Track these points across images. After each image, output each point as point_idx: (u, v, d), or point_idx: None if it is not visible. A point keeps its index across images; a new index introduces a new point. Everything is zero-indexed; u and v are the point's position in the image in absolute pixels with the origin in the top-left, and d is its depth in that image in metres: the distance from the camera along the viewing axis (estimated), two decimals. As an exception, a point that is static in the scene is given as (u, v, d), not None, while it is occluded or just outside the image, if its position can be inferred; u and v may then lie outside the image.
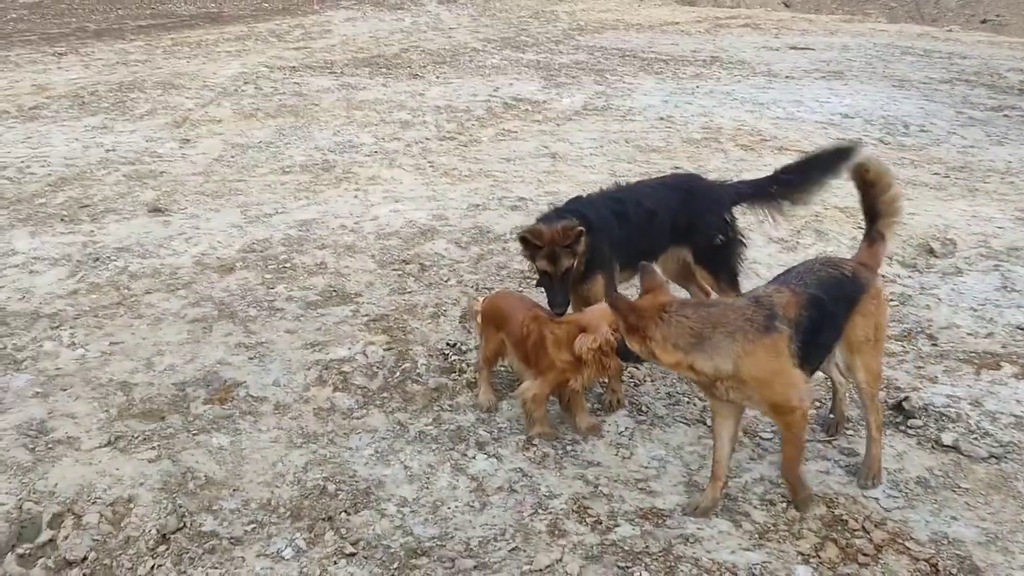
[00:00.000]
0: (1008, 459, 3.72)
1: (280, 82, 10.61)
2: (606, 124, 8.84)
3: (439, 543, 3.28)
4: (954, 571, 3.13)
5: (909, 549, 3.22)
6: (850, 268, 3.45)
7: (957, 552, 3.21)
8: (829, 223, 6.10)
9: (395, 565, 3.18)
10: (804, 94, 10.09)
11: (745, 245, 4.53)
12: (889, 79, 11.04)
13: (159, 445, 3.75)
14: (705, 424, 3.95)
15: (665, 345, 3.13)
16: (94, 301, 4.97)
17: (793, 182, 4.42)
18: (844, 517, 3.38)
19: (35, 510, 3.36)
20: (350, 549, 3.24)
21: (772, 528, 3.34)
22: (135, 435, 3.80)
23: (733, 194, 4.46)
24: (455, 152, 7.96)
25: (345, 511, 3.43)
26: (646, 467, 3.71)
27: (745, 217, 4.60)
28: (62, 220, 6.19)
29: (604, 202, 4.15)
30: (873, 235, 3.57)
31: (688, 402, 4.16)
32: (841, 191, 6.79)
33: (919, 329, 4.82)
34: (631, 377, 4.33)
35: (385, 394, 4.19)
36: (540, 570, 3.14)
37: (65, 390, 4.12)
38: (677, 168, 7.08)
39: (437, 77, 11.09)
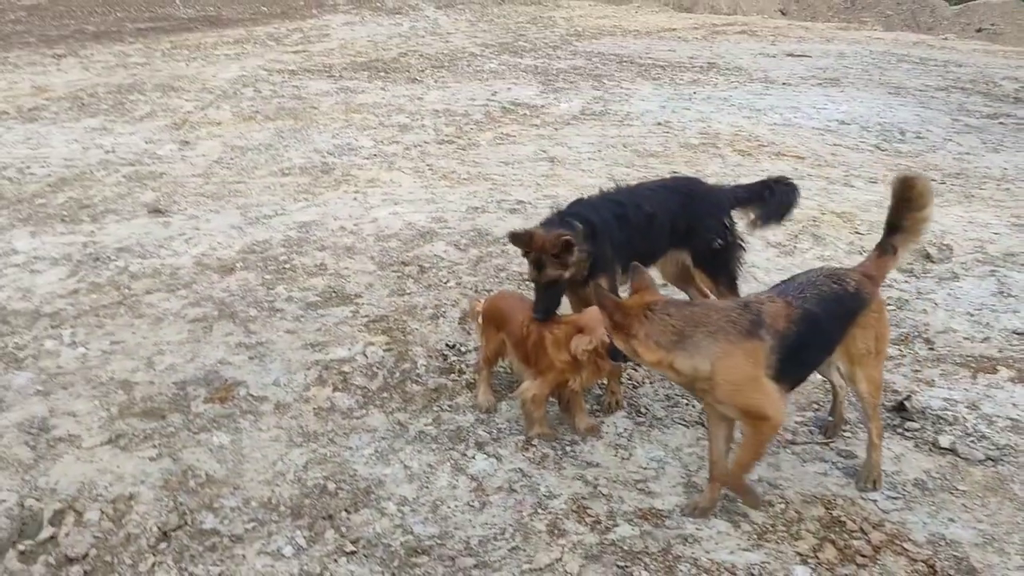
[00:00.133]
0: (1004, 462, 3.74)
1: (279, 85, 10.63)
2: (604, 129, 8.87)
3: (439, 542, 3.30)
4: (951, 572, 3.15)
5: (907, 550, 3.24)
6: (854, 283, 3.39)
7: (954, 553, 3.24)
8: (827, 228, 6.13)
9: (395, 563, 3.19)
10: (801, 100, 10.14)
11: (744, 249, 4.54)
12: (885, 86, 11.10)
13: (160, 443, 3.76)
14: (704, 426, 3.96)
15: (647, 343, 3.13)
16: (95, 300, 4.98)
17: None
18: (842, 518, 3.40)
19: (36, 507, 3.37)
20: (350, 547, 3.26)
21: (771, 529, 3.36)
22: (136, 433, 3.81)
23: (732, 198, 4.49)
24: (454, 155, 7.98)
25: (345, 510, 3.44)
26: (645, 468, 3.73)
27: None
28: (62, 220, 6.21)
29: (606, 205, 4.15)
30: (886, 247, 3.52)
31: (687, 404, 4.18)
32: (838, 196, 6.87)
33: (916, 333, 4.85)
34: (630, 379, 4.36)
35: (385, 394, 4.20)
36: (540, 569, 3.16)
37: (66, 388, 4.13)
38: (675, 173, 7.10)
39: (435, 81, 11.12)
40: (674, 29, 16.11)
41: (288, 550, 3.24)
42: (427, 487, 3.58)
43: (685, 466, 3.73)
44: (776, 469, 3.70)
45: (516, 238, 3.94)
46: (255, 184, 7.10)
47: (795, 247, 5.88)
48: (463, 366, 4.41)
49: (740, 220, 4.52)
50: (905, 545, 3.26)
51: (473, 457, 3.77)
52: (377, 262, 5.55)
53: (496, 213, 6.36)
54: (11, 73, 11.21)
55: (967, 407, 4.11)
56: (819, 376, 3.88)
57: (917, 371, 4.45)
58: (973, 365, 4.49)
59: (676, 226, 4.30)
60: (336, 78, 11.14)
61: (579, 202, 4.23)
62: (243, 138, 8.41)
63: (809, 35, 15.68)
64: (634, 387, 4.33)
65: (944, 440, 3.86)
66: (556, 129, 8.87)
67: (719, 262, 4.41)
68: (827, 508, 3.46)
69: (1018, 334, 4.80)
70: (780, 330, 3.16)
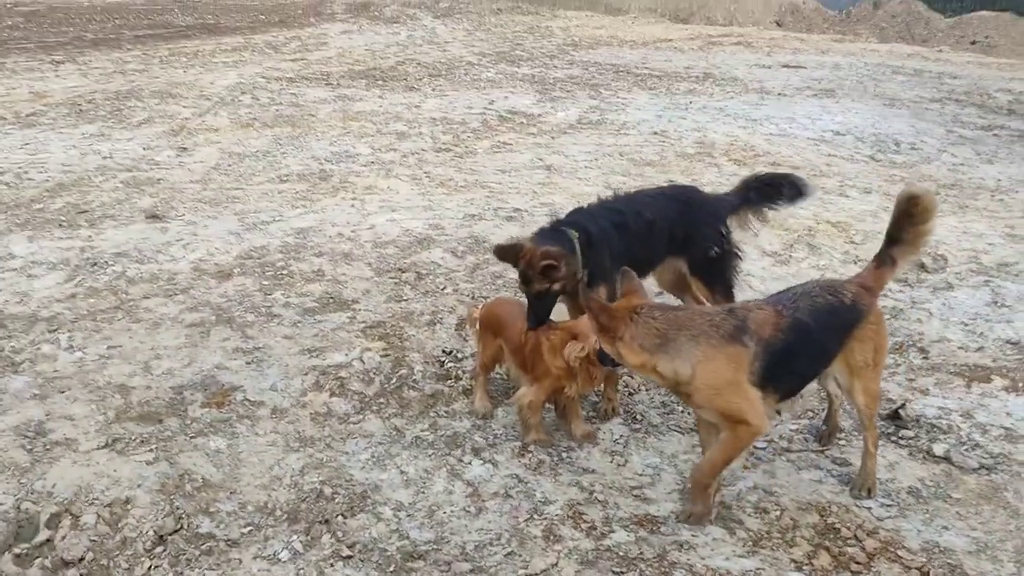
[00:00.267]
0: (998, 470, 3.77)
1: (277, 93, 10.66)
2: (600, 138, 8.91)
3: (435, 547, 3.30)
4: (945, 579, 3.18)
5: (901, 558, 3.25)
6: (850, 295, 3.39)
7: (948, 561, 3.25)
8: (822, 237, 6.17)
9: (391, 568, 3.19)
10: (796, 111, 10.20)
11: (741, 258, 4.57)
12: (880, 98, 11.17)
13: (156, 447, 3.76)
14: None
15: (632, 345, 3.15)
16: (92, 305, 4.98)
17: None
18: (837, 525, 3.42)
19: (33, 510, 3.36)
20: (347, 552, 3.26)
21: (766, 535, 3.38)
22: (133, 437, 3.81)
23: (729, 206, 4.51)
24: (451, 163, 8.01)
25: (342, 514, 3.44)
26: (641, 474, 3.74)
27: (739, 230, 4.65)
28: (60, 225, 6.21)
29: (604, 213, 4.15)
30: (885, 258, 3.51)
31: (682, 411, 4.19)
32: (833, 206, 6.91)
33: (911, 342, 4.88)
34: (626, 386, 4.37)
35: (382, 400, 4.21)
36: (536, 574, 3.16)
37: (63, 392, 4.13)
38: (671, 182, 7.14)
39: (433, 90, 11.17)
40: (670, 40, 16.20)
41: (284, 555, 3.24)
42: (423, 492, 3.59)
43: (681, 473, 3.75)
44: (771, 476, 3.72)
45: (502, 253, 3.95)
46: (253, 190, 7.11)
47: (790, 256, 5.92)
48: (460, 372, 4.42)
49: (740, 227, 4.54)
50: (899, 552, 3.28)
51: (469, 463, 3.78)
52: (374, 268, 5.56)
53: (493, 220, 6.38)
54: (9, 79, 11.21)
55: (961, 416, 4.14)
56: (814, 384, 3.89)
57: (912, 380, 4.48)
58: (967, 374, 4.52)
59: (674, 234, 4.32)
60: (334, 86, 11.17)
61: (578, 211, 4.24)
62: (241, 145, 8.42)
63: (804, 47, 15.78)
64: (630, 394, 4.34)
65: (938, 448, 3.88)
66: (553, 138, 8.91)
67: (715, 270, 4.43)
68: (822, 515, 3.47)
69: (1012, 344, 4.83)
70: (765, 337, 3.17)
